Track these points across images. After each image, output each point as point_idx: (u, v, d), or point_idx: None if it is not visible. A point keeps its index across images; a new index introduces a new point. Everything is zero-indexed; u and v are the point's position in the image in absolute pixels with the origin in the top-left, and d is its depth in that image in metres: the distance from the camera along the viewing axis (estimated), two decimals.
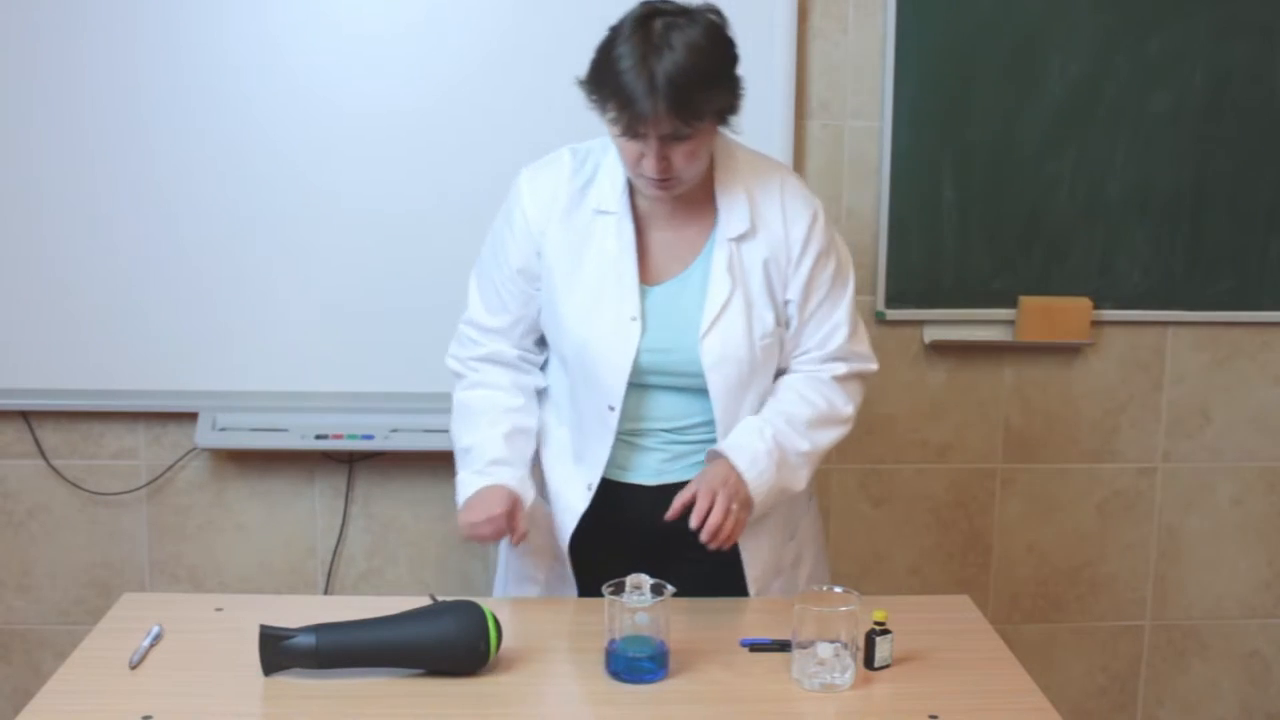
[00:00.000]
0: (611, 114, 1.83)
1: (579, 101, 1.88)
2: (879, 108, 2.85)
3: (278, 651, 1.72)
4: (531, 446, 2.05)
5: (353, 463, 2.94)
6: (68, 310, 2.78)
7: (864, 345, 2.07)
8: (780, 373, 2.05)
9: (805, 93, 2.84)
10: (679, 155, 1.85)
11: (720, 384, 1.95)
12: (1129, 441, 3.05)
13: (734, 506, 1.87)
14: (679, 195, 1.94)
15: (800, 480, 1.99)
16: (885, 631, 1.76)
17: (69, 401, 2.83)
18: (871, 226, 2.90)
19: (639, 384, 1.97)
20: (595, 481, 2.01)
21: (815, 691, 1.71)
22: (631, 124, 1.80)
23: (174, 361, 2.81)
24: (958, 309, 2.93)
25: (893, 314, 2.92)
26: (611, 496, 2.02)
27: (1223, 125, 2.87)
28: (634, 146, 1.85)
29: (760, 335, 1.96)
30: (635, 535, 2.00)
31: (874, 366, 2.08)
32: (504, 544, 2.12)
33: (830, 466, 3.00)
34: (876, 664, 1.76)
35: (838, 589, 1.78)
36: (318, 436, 2.82)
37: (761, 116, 2.75)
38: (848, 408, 2.04)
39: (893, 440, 3.01)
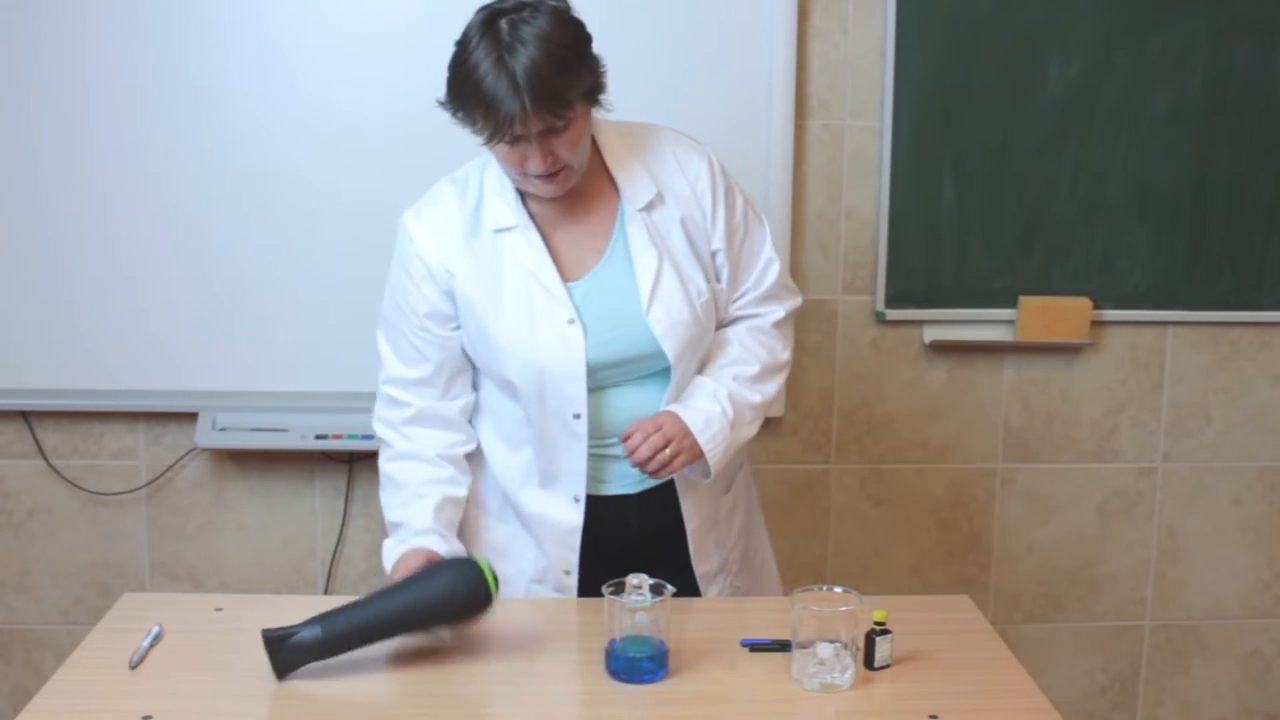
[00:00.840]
0: (479, 125, 1.79)
1: None
2: (879, 108, 2.85)
3: (286, 652, 1.71)
4: (461, 512, 2.01)
5: (353, 463, 2.94)
6: (68, 310, 2.78)
7: (790, 278, 2.12)
8: (719, 324, 2.05)
9: (805, 93, 2.84)
10: (562, 146, 1.83)
11: (675, 350, 1.94)
12: (1129, 441, 3.05)
13: (667, 450, 1.89)
14: (571, 186, 1.91)
15: (753, 431, 2.03)
16: (885, 631, 1.76)
17: (69, 401, 2.83)
18: (871, 226, 2.90)
19: (594, 388, 1.95)
20: (581, 494, 1.98)
21: (815, 691, 1.71)
22: (503, 129, 1.77)
23: (174, 361, 2.81)
24: (958, 309, 2.93)
25: (893, 314, 2.92)
26: (597, 512, 2.00)
27: (1223, 125, 2.87)
28: (515, 152, 1.82)
29: (697, 295, 1.96)
30: (630, 546, 1.99)
31: (800, 299, 2.12)
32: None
33: (830, 466, 3.01)
34: (876, 664, 1.76)
35: (838, 589, 1.77)
36: (318, 436, 2.82)
37: (761, 116, 2.78)
38: (785, 353, 2.08)
39: (893, 440, 3.01)
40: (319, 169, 2.75)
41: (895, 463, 3.02)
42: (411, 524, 1.95)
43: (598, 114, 1.91)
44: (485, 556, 1.82)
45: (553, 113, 1.77)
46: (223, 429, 2.83)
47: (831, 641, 1.71)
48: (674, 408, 1.94)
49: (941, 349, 2.98)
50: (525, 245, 1.93)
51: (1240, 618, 3.15)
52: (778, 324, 2.06)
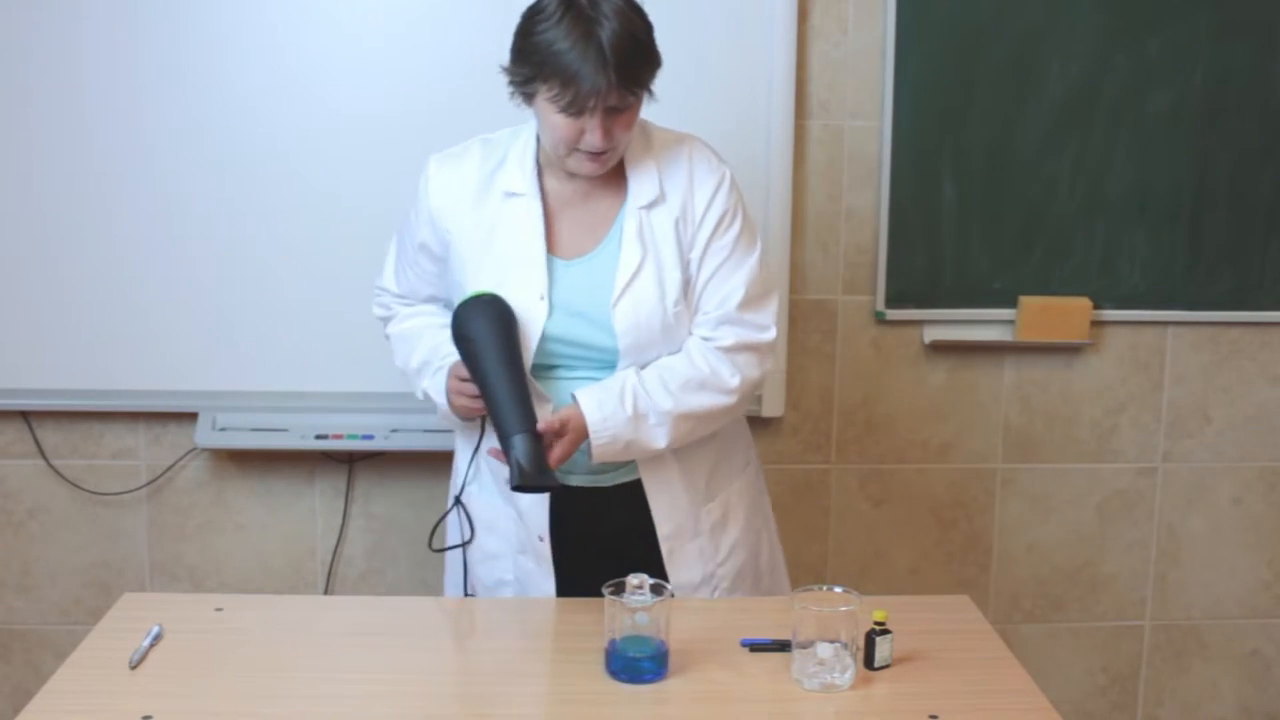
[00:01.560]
0: (554, 93, 1.84)
1: None
2: (879, 108, 2.85)
3: (544, 470, 1.80)
4: None
5: (353, 463, 2.94)
6: (68, 310, 2.78)
7: (763, 315, 2.02)
8: None
9: (805, 93, 2.84)
10: (619, 126, 1.88)
11: (626, 345, 1.95)
12: (1129, 441, 3.05)
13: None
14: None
15: (657, 437, 1.94)
16: (885, 631, 1.76)
17: (69, 401, 2.83)
18: (871, 226, 2.90)
19: (549, 367, 1.97)
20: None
21: (815, 691, 1.71)
22: (579, 100, 1.82)
23: (174, 361, 2.81)
24: (958, 309, 2.93)
25: (893, 314, 2.92)
26: (567, 501, 2.00)
27: (1223, 125, 2.87)
28: (574, 124, 1.86)
29: (673, 302, 1.97)
30: (607, 543, 2.00)
31: (766, 336, 2.02)
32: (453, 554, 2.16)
33: (830, 466, 3.01)
34: (876, 664, 1.76)
35: (838, 589, 1.77)
36: (318, 436, 2.82)
37: (761, 116, 2.78)
38: (733, 379, 1.98)
39: (893, 440, 3.01)
40: (319, 170, 2.75)
41: (895, 463, 3.02)
42: (435, 354, 2.04)
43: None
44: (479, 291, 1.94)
45: (630, 90, 1.85)
46: (223, 429, 2.83)
47: (831, 641, 1.71)
48: (578, 392, 1.94)
49: (941, 349, 2.98)
50: (525, 215, 1.98)
51: (1240, 618, 3.15)
52: (725, 348, 1.99)
